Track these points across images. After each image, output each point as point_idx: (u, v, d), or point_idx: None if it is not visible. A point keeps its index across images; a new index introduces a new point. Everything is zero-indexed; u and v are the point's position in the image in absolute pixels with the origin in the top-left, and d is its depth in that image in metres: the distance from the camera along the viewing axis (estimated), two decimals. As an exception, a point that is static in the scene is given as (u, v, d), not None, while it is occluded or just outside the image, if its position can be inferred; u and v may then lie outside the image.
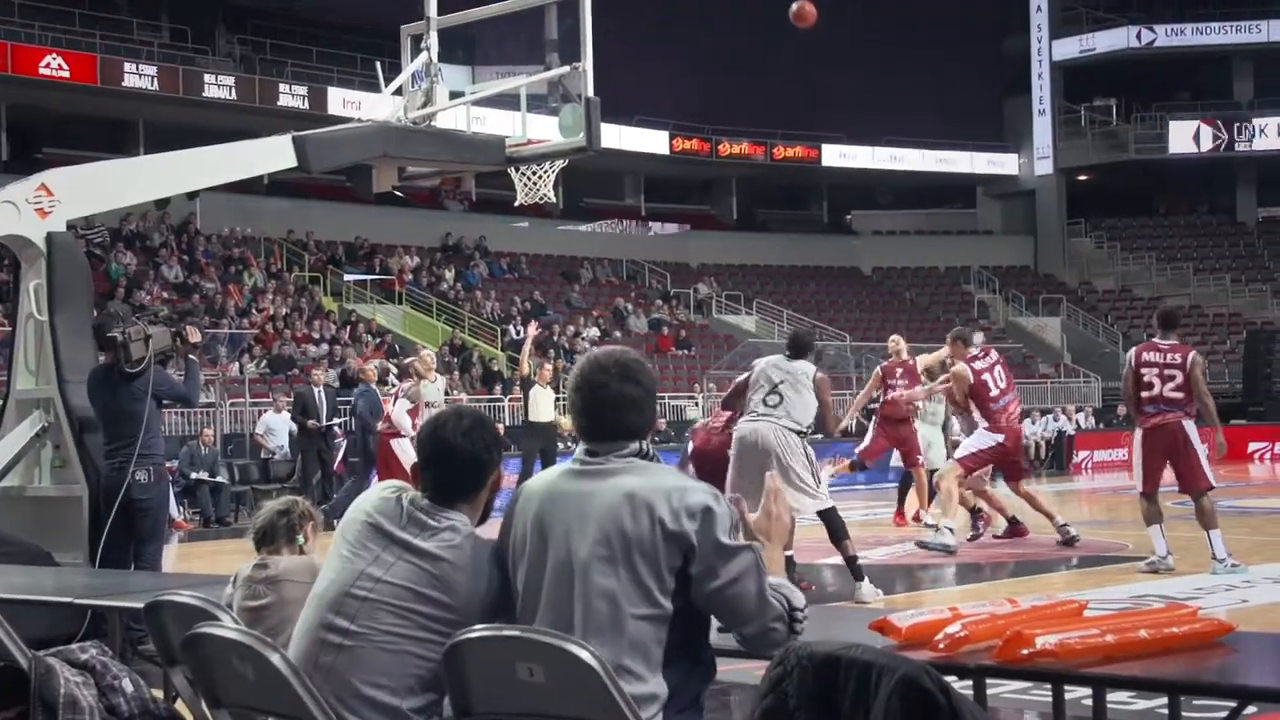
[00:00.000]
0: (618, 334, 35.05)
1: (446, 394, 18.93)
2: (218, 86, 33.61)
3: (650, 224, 44.77)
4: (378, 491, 3.67)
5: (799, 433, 9.99)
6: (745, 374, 10.58)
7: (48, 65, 31.28)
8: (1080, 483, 26.28)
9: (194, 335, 8.79)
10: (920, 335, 38.82)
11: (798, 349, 10.39)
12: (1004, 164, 47.92)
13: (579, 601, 3.21)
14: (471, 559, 3.46)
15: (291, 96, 34.37)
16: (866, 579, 9.87)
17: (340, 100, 33.55)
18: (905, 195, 48.34)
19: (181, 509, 20.00)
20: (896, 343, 15.74)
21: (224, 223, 32.53)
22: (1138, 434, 11.10)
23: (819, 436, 11.65)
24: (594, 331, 34.02)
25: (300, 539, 5.02)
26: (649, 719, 3.13)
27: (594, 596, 3.20)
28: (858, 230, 48.19)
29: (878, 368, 16.05)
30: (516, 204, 11.15)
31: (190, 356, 9.09)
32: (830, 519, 9.95)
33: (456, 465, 3.54)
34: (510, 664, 3.13)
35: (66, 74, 31.46)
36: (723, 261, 43.09)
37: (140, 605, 4.62)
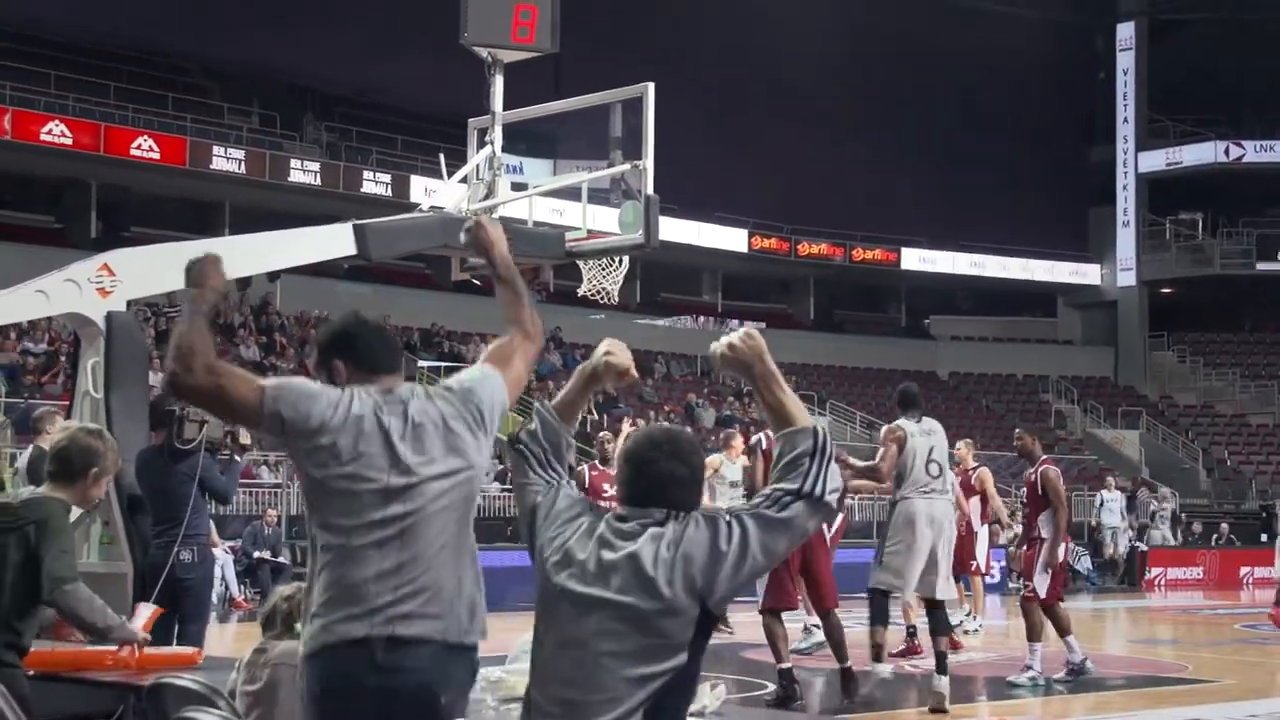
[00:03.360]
0: (689, 429, 34.96)
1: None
2: (303, 172, 34.22)
3: (727, 321, 44.79)
4: None
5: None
6: (893, 444, 10.23)
7: (139, 146, 32.01)
8: (1152, 600, 25.73)
9: (245, 437, 8.92)
10: (995, 443, 38.50)
11: (910, 402, 10.29)
12: (1086, 274, 47.61)
13: (585, 662, 3.22)
14: None
15: (375, 183, 34.93)
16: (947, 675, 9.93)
17: (423, 188, 33.95)
18: (985, 301, 48.09)
19: (243, 589, 20.11)
20: (967, 448, 15.54)
21: (302, 304, 32.95)
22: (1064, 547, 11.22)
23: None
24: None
25: (298, 626, 5.00)
26: None
27: (600, 657, 3.21)
28: (936, 335, 47.94)
29: None
30: (580, 294, 11.19)
31: (236, 457, 9.24)
32: (940, 612, 10.02)
33: None
34: None
35: (156, 155, 32.17)
36: (798, 361, 42.94)
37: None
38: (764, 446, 10.54)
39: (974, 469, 15.47)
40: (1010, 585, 24.99)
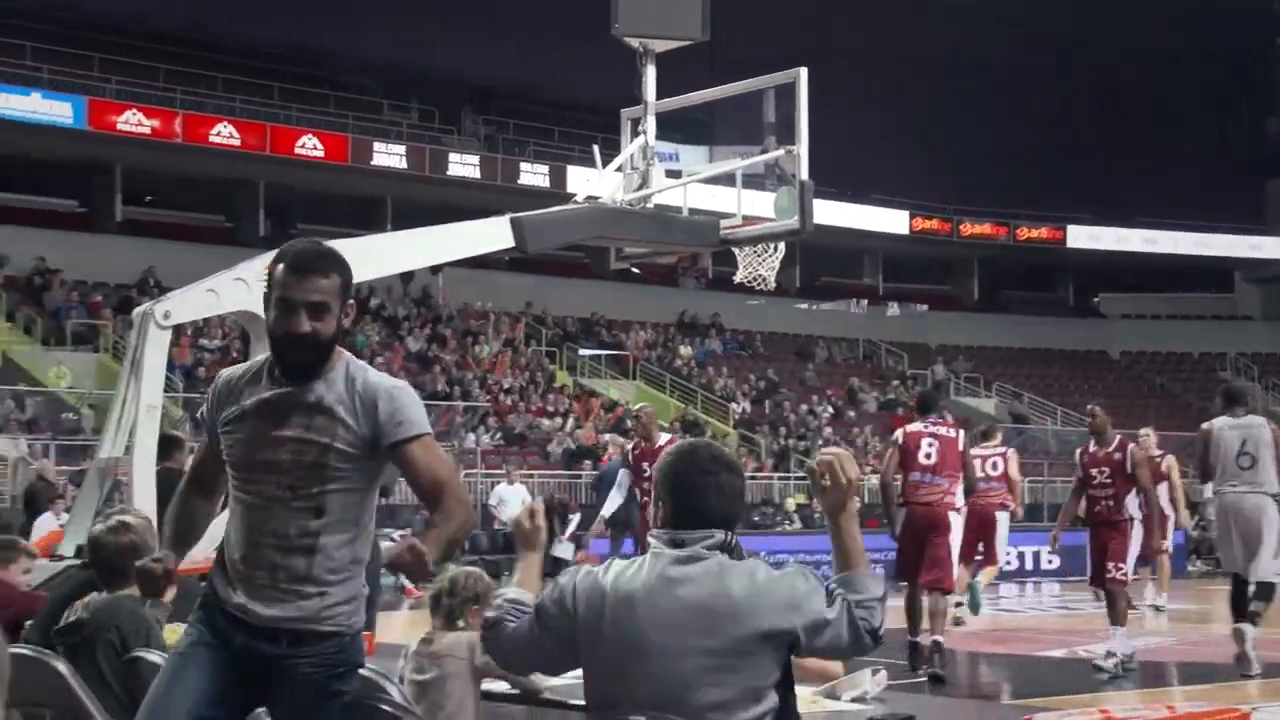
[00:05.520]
0: (851, 413, 34.67)
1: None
2: (462, 165, 34.70)
3: (888, 304, 44.33)
4: None
5: (1274, 496, 10.17)
6: (1206, 443, 10.41)
7: (303, 145, 32.75)
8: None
9: None
10: (1171, 424, 37.41)
11: (1234, 399, 10.51)
12: (1264, 247, 46.00)
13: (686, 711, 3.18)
14: None
15: (533, 175, 35.24)
16: None
17: (581, 178, 34.18)
18: (1156, 278, 46.77)
19: (413, 577, 20.42)
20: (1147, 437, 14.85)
21: (464, 296, 33.42)
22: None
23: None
24: (828, 410, 33.72)
25: (461, 624, 5.10)
26: None
27: (704, 711, 3.17)
28: (1106, 313, 46.86)
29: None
30: (736, 280, 11.16)
31: None
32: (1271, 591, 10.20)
33: None
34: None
35: (320, 153, 32.88)
36: (962, 343, 42.35)
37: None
38: (899, 441, 10.40)
39: (1160, 455, 15.12)
40: (1188, 567, 24.44)
